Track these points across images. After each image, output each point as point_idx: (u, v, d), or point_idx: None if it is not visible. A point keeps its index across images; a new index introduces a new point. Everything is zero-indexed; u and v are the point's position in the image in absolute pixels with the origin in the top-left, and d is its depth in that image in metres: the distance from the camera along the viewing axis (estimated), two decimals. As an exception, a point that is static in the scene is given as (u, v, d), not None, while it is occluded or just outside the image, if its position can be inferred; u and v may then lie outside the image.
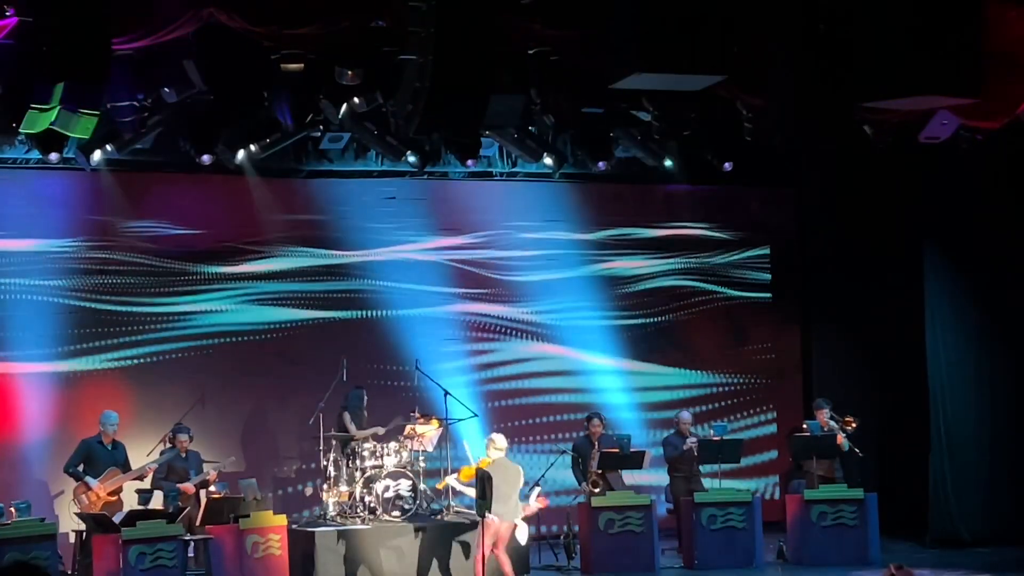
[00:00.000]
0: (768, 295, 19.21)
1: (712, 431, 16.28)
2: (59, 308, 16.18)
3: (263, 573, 14.00)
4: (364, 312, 17.42)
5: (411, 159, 16.51)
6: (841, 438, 16.19)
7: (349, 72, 14.22)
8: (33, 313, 16.06)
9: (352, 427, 15.93)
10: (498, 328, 17.98)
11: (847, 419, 16.27)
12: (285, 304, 17.14)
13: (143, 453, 15.10)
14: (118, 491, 14.46)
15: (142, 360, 16.49)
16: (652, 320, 18.65)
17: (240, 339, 16.92)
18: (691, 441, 16.12)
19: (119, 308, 16.48)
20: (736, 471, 17.28)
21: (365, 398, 16.26)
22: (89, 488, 14.28)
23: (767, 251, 19.24)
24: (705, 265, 18.97)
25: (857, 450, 16.20)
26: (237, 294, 17.01)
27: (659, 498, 16.34)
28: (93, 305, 16.35)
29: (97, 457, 14.49)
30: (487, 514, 13.50)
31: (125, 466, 14.62)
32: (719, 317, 19.01)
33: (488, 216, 18.11)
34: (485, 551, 13.81)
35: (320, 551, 14.51)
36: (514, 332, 18.05)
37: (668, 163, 17.51)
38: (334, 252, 17.34)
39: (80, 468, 14.42)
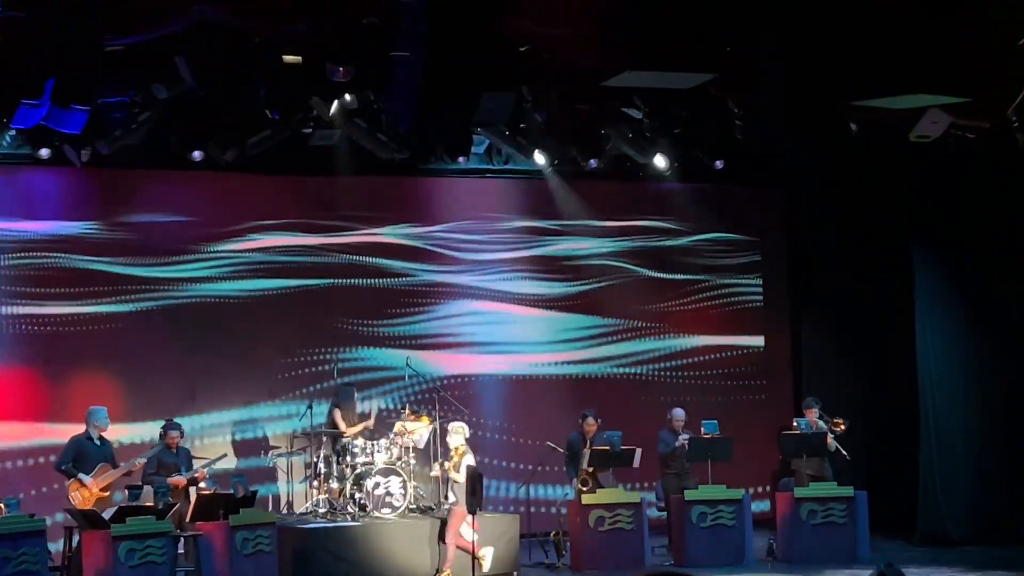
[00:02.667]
0: (759, 294, 19.24)
1: (703, 429, 16.27)
2: (45, 267, 16.29)
3: (253, 570, 13.96)
4: (341, 280, 17.51)
5: (402, 156, 16.51)
6: (830, 439, 16.23)
7: (340, 69, 14.20)
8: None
9: (343, 424, 15.93)
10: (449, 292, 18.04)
11: (836, 420, 16.30)
12: (268, 275, 17.17)
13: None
14: (109, 487, 14.45)
15: (128, 312, 16.57)
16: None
17: (224, 301, 16.97)
18: (683, 438, 16.14)
19: (107, 268, 16.53)
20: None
21: (355, 394, 16.29)
22: (83, 485, 14.26)
23: (757, 250, 19.29)
24: (696, 263, 19.01)
25: (844, 452, 16.23)
26: (224, 264, 17.03)
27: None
28: (82, 265, 16.42)
29: (88, 454, 14.46)
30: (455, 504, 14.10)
31: (113, 461, 14.61)
32: (709, 316, 19.06)
33: (473, 211, 18.16)
34: (453, 540, 14.33)
35: (310, 548, 14.51)
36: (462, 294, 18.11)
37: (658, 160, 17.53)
38: (320, 235, 17.41)
39: (71, 465, 14.40)
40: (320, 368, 17.12)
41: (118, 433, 15.58)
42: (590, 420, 16.09)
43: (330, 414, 16.13)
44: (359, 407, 16.29)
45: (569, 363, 18.41)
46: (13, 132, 15.04)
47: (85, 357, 16.26)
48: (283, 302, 17.19)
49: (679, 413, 16.49)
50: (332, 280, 17.44)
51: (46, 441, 15.83)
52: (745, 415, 18.68)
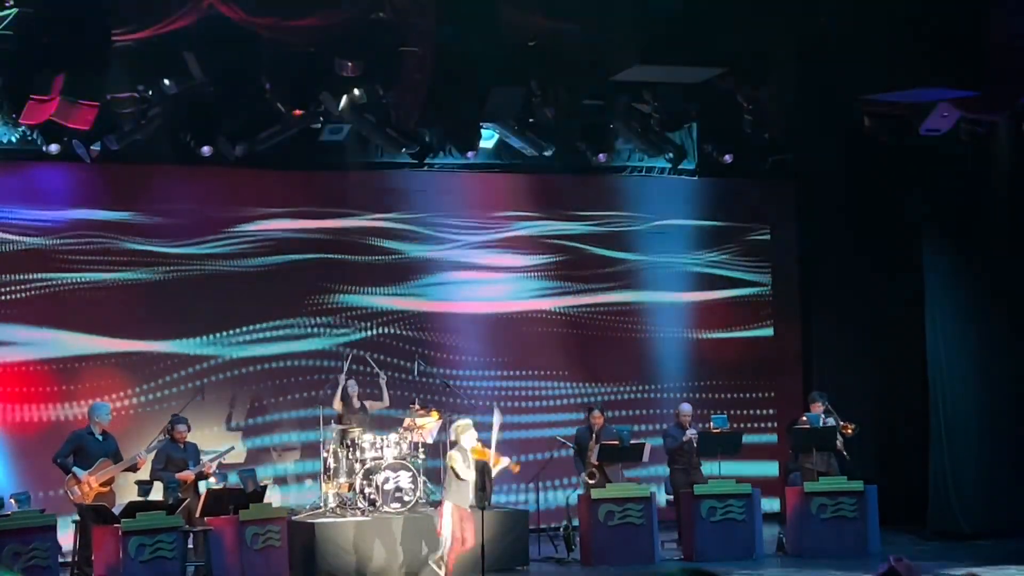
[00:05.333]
0: (768, 288, 19.23)
1: (712, 423, 16.26)
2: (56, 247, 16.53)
3: (263, 565, 13.98)
4: (339, 256, 17.67)
5: (411, 151, 16.52)
6: (839, 440, 16.17)
7: (349, 64, 14.19)
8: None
9: (338, 404, 16.00)
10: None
11: (845, 424, 16.20)
12: (271, 252, 17.32)
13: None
14: (110, 482, 14.42)
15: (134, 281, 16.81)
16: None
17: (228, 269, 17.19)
18: (691, 433, 16.12)
19: (118, 245, 16.74)
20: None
21: (358, 389, 16.30)
22: (78, 479, 14.23)
23: (766, 243, 19.28)
24: (703, 257, 19.01)
25: (846, 454, 16.18)
26: (232, 243, 17.20)
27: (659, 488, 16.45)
28: (92, 244, 16.63)
29: (88, 448, 14.43)
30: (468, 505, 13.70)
31: (116, 456, 14.58)
32: (718, 310, 19.06)
33: (480, 204, 18.23)
34: (458, 540, 13.96)
35: (320, 543, 14.52)
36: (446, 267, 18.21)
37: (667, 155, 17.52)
38: (323, 220, 17.56)
39: (70, 459, 14.38)
40: (326, 330, 17.44)
41: (139, 346, 16.43)
42: (596, 413, 16.09)
43: (336, 410, 16.18)
44: (357, 402, 16.29)
45: (563, 306, 18.62)
46: (23, 127, 15.05)
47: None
48: (286, 275, 17.36)
49: (686, 408, 16.48)
50: (332, 255, 17.58)
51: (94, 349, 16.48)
52: (753, 409, 18.68)
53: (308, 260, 17.44)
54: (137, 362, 16.64)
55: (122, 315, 16.61)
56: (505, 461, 14.26)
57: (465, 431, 14.07)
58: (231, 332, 17.08)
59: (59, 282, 16.40)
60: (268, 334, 17.24)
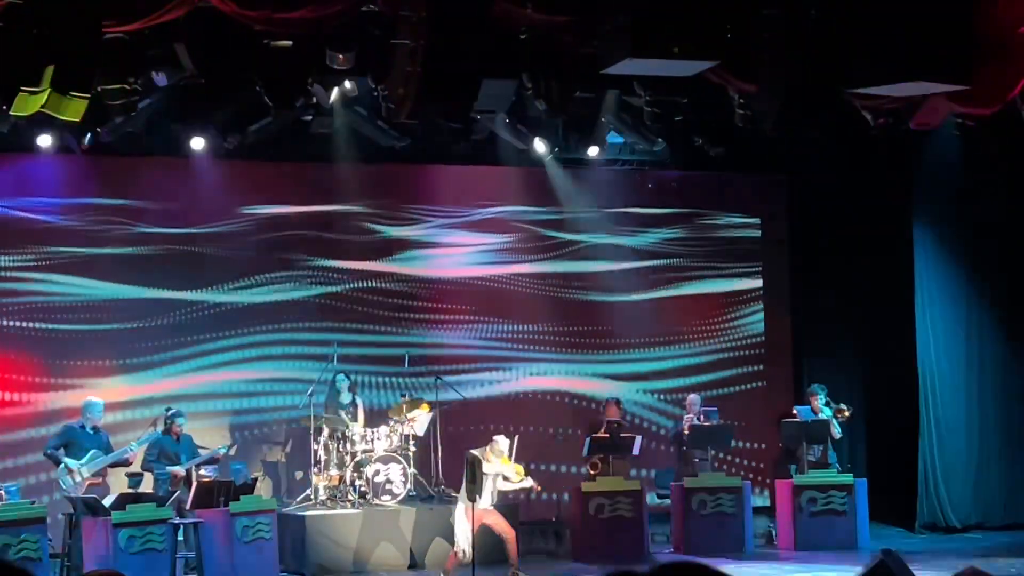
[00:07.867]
0: (759, 279, 19.24)
1: (703, 416, 16.27)
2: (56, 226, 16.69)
3: (253, 557, 13.98)
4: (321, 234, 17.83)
5: (401, 143, 16.51)
6: (834, 427, 16.20)
7: (340, 56, 14.16)
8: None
9: (342, 413, 15.90)
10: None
11: (840, 408, 16.25)
12: (256, 234, 17.47)
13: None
14: (102, 473, 14.42)
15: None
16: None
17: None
18: (686, 420, 16.17)
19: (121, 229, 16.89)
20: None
21: (348, 382, 16.27)
22: (69, 470, 14.22)
23: (758, 235, 19.29)
24: (697, 252, 19.01)
25: (834, 432, 16.22)
26: (224, 225, 17.32)
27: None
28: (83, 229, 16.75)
29: (79, 441, 14.42)
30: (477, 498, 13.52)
31: (108, 449, 14.57)
32: (710, 301, 19.06)
33: (471, 198, 18.27)
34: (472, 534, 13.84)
35: (310, 535, 14.53)
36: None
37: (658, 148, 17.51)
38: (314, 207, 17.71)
39: (60, 451, 14.37)
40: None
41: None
42: (611, 407, 16.08)
43: (329, 403, 16.12)
44: (346, 397, 16.25)
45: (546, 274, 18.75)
46: (13, 119, 15.01)
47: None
48: (272, 248, 17.48)
49: (692, 398, 16.52)
50: (320, 233, 17.70)
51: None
52: (744, 401, 18.70)
53: (294, 236, 17.52)
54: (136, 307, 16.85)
55: (118, 277, 16.72)
56: (529, 481, 14.10)
57: (494, 454, 13.93)
58: (225, 284, 17.25)
59: (54, 255, 16.46)
60: (260, 286, 17.41)
